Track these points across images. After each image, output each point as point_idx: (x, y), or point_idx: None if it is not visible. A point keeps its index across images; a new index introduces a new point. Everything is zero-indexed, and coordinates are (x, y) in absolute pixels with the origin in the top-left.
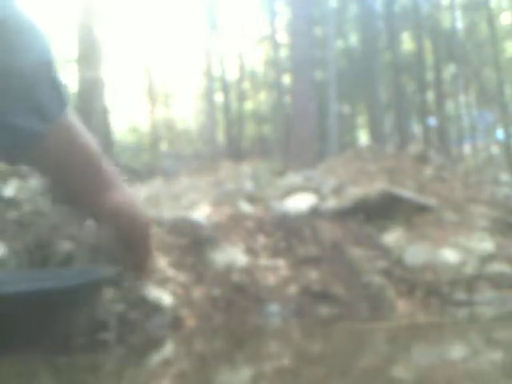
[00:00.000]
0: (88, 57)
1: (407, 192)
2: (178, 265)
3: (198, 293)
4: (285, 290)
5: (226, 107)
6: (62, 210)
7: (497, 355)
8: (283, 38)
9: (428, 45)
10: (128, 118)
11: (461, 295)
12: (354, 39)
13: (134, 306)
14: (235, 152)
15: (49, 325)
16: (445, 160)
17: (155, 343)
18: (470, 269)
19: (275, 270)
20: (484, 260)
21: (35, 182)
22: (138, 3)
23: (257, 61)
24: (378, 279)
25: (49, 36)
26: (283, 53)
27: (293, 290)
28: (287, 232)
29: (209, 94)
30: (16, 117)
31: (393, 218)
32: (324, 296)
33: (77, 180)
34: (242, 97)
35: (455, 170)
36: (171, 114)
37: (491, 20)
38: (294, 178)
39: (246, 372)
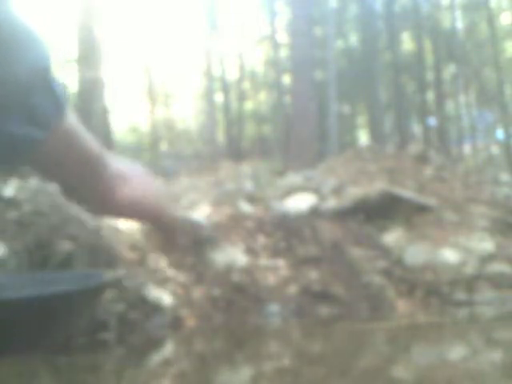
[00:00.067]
0: (88, 57)
1: (407, 192)
2: (178, 265)
3: (197, 293)
4: (285, 290)
5: (226, 107)
6: (68, 208)
7: (497, 355)
8: (283, 38)
9: (428, 45)
10: (128, 117)
11: (461, 295)
12: (354, 39)
13: (134, 306)
14: (235, 152)
15: (49, 329)
16: (445, 160)
17: (155, 343)
18: (469, 269)
19: (275, 270)
20: (484, 260)
21: (35, 182)
22: (137, 3)
23: (257, 61)
24: (377, 279)
25: (46, 40)
26: (283, 53)
27: (293, 289)
28: (287, 232)
29: (209, 94)
30: (12, 123)
31: (393, 218)
32: (324, 296)
33: (79, 181)
34: (242, 97)
35: (455, 169)
36: (171, 114)
37: (491, 20)
38: (293, 178)
39: (245, 372)
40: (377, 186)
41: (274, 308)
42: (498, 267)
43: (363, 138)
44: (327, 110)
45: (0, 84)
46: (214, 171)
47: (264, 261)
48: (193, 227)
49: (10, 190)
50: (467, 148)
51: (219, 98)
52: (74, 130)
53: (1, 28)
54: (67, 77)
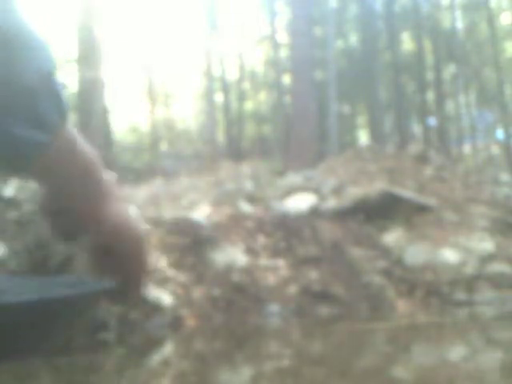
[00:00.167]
0: (88, 57)
1: (407, 192)
2: (178, 265)
3: (197, 293)
4: (285, 290)
5: (226, 107)
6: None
7: (497, 355)
8: (283, 38)
9: (428, 45)
10: (128, 117)
11: (461, 295)
12: (354, 39)
13: (134, 306)
14: (235, 152)
15: (49, 333)
16: (445, 160)
17: (155, 343)
18: (469, 269)
19: (275, 270)
20: (484, 260)
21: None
22: (137, 3)
23: (257, 61)
24: (377, 279)
25: (50, 44)
26: (283, 53)
27: (293, 289)
28: (287, 232)
29: (209, 94)
30: (17, 126)
31: (393, 218)
32: (324, 296)
33: (75, 190)
34: (242, 97)
35: (455, 170)
36: (171, 114)
37: (491, 20)
38: (293, 178)
39: (245, 372)
40: (377, 186)
41: (273, 308)
42: (498, 267)
43: (363, 137)
44: (327, 110)
45: (5, 85)
46: (213, 171)
47: (264, 261)
48: (193, 227)
49: (10, 190)
50: (467, 148)
51: (219, 98)
52: (75, 138)
53: (7, 31)
54: (67, 77)
